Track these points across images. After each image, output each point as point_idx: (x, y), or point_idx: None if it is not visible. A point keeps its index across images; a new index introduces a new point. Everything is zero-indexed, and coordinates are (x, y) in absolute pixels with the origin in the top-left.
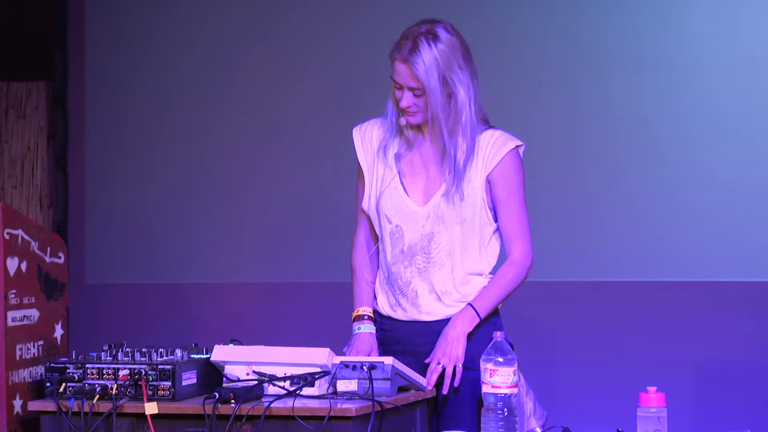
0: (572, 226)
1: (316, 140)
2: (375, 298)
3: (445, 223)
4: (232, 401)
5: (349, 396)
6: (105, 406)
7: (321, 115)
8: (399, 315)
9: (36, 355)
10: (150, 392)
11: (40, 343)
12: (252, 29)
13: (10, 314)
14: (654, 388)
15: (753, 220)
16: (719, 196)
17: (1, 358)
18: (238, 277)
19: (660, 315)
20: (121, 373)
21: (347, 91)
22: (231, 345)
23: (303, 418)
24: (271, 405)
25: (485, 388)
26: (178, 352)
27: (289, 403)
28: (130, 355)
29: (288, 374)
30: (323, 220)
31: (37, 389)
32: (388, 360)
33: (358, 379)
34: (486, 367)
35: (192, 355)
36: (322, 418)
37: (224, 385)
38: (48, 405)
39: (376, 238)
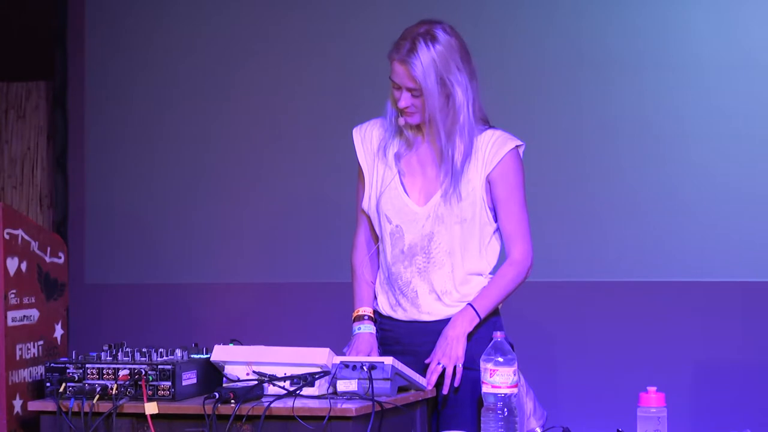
0: (572, 226)
1: (316, 140)
2: (375, 298)
3: (445, 223)
4: (232, 401)
5: (349, 396)
6: (105, 406)
7: (321, 115)
8: (399, 315)
9: (36, 355)
10: (150, 392)
11: (40, 343)
12: (252, 29)
13: (10, 314)
14: (654, 388)
15: (753, 220)
16: (719, 196)
17: (1, 358)
18: (238, 277)
19: (660, 315)
20: (121, 373)
21: (347, 91)
22: (231, 345)
23: (303, 418)
24: (271, 405)
25: (485, 388)
26: (178, 352)
27: (289, 403)
28: (130, 355)
29: (288, 374)
30: (323, 220)
31: (37, 389)
32: (388, 360)
33: (358, 379)
34: (486, 367)
35: (192, 355)
36: (322, 418)
37: (224, 385)
38: (48, 405)
39: (376, 238)
